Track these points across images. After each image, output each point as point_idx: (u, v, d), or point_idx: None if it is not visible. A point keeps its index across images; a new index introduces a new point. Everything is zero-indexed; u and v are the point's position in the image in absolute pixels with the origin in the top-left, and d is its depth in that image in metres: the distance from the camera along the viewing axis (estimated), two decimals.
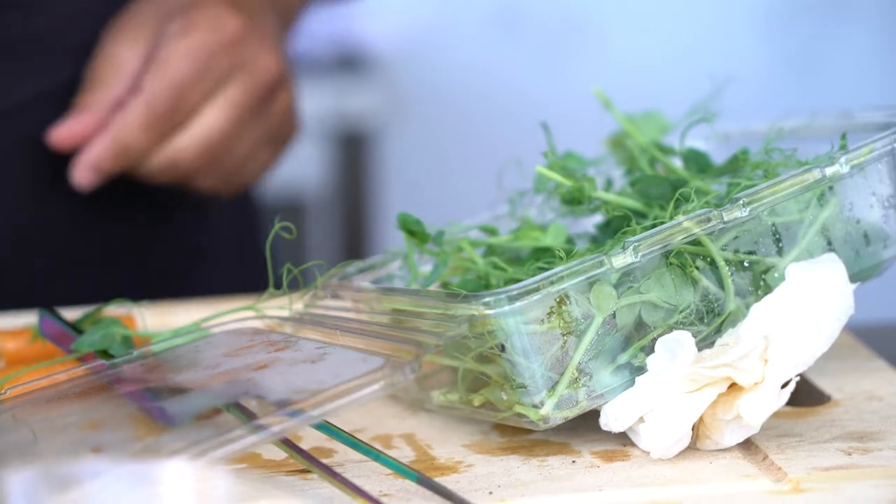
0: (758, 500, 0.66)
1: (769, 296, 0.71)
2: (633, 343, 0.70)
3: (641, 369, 0.70)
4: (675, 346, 0.69)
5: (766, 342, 0.69)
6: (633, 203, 0.79)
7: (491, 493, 0.68)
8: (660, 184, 0.79)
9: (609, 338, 0.70)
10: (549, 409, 0.69)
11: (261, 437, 0.62)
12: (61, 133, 0.96)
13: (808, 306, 0.71)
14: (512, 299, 0.67)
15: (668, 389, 0.69)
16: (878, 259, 0.77)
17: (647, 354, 0.70)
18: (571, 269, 0.68)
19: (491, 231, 0.82)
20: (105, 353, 0.77)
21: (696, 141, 0.87)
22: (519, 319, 0.68)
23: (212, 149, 0.96)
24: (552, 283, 0.68)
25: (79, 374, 0.73)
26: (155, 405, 0.68)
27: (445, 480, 0.69)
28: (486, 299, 0.68)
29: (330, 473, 0.68)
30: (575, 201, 0.80)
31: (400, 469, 0.68)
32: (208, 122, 0.96)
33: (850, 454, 0.69)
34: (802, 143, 0.81)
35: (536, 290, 0.68)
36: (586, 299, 0.69)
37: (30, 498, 0.56)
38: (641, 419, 0.70)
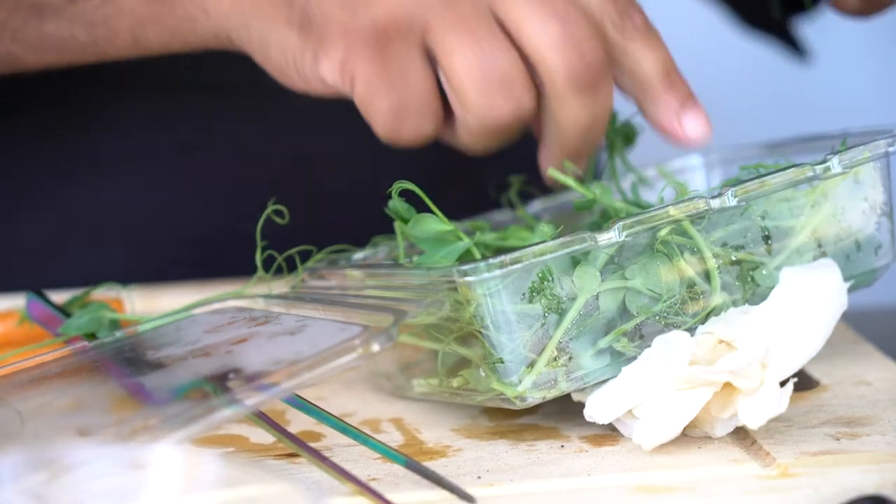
0: (746, 485, 0.66)
1: (766, 301, 0.71)
2: (615, 328, 0.70)
3: (622, 355, 0.70)
4: (671, 348, 0.69)
5: (765, 349, 0.69)
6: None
7: (479, 477, 0.68)
8: None
9: (591, 320, 0.69)
10: (527, 387, 0.69)
11: (237, 409, 0.61)
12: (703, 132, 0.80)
13: (804, 310, 0.70)
14: (491, 268, 0.67)
15: (661, 387, 0.69)
16: (869, 266, 0.76)
17: (630, 340, 0.70)
18: (554, 243, 0.68)
19: (480, 228, 0.82)
20: (92, 337, 0.77)
21: (692, 157, 0.88)
22: (499, 290, 0.67)
23: None
24: (534, 255, 0.68)
25: (65, 354, 0.73)
26: (133, 381, 0.68)
27: (434, 465, 0.69)
28: (465, 268, 0.67)
29: (318, 457, 0.68)
30: (588, 207, 0.80)
31: (388, 453, 0.68)
32: None
33: (838, 439, 0.69)
34: (798, 158, 0.80)
35: (518, 260, 0.67)
36: (570, 280, 0.69)
37: (15, 479, 0.56)
38: (630, 413, 0.70)
